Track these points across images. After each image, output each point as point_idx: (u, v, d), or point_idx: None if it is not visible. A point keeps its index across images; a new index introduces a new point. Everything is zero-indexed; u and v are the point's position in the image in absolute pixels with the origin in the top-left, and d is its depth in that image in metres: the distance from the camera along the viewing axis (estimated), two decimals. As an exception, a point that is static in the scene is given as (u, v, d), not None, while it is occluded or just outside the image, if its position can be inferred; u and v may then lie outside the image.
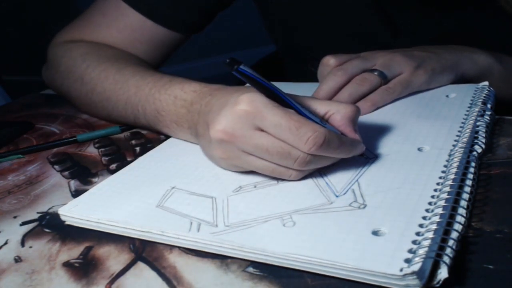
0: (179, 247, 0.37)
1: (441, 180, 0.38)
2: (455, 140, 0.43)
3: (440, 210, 0.34)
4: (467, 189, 0.37)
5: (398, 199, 0.36)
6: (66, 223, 0.42)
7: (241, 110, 0.39)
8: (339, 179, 0.41)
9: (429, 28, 0.63)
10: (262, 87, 0.39)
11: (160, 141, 0.54)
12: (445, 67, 0.55)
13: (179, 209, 0.39)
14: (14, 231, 0.43)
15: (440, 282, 0.29)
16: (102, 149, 0.57)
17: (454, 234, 0.32)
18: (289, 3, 0.69)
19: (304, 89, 0.53)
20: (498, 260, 0.31)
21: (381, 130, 0.48)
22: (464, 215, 0.34)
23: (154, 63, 0.70)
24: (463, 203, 0.35)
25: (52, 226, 0.43)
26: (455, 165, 0.39)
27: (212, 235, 0.36)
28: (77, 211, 0.41)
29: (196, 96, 0.47)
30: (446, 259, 0.30)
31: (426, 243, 0.31)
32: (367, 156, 0.43)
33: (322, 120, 0.41)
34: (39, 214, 0.45)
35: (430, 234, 0.32)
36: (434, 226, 0.32)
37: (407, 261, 0.30)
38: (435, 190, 0.37)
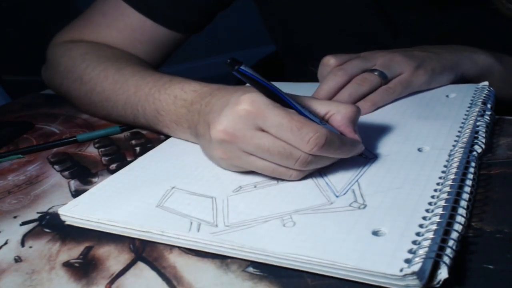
0: (179, 247, 0.37)
1: (441, 180, 0.38)
2: (455, 140, 0.43)
3: (440, 210, 0.34)
4: (467, 189, 0.37)
5: (398, 199, 0.36)
6: (66, 223, 0.42)
7: (243, 110, 0.39)
8: (339, 179, 0.41)
9: (429, 28, 0.63)
10: (262, 87, 0.39)
11: (160, 141, 0.54)
12: (445, 67, 0.55)
13: (179, 209, 0.39)
14: (14, 231, 0.43)
15: (440, 282, 0.29)
16: (102, 149, 0.57)
17: (454, 234, 0.32)
18: (289, 3, 0.69)
19: (304, 89, 0.53)
20: (498, 260, 0.31)
21: (381, 130, 0.48)
22: (464, 215, 0.34)
23: (154, 63, 0.70)
24: (463, 203, 0.35)
25: (52, 226, 0.43)
26: (455, 165, 0.39)
27: (212, 235, 0.36)
28: (77, 211, 0.41)
29: (196, 96, 0.47)
30: (446, 259, 0.30)
31: (426, 243, 0.31)
32: (367, 156, 0.43)
33: (321, 121, 0.41)
34: (39, 214, 0.45)
35: (430, 234, 0.32)
36: (434, 226, 0.32)
37: (407, 261, 0.30)
38: (435, 190, 0.37)
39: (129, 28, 0.67)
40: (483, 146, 0.42)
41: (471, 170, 0.39)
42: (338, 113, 0.42)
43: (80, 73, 0.62)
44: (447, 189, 0.36)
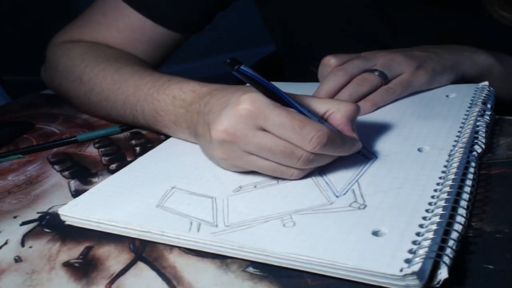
0: (179, 247, 0.37)
1: (441, 180, 0.38)
2: (455, 140, 0.43)
3: (440, 210, 0.34)
4: (467, 189, 0.37)
5: (398, 199, 0.36)
6: (66, 223, 0.42)
7: (244, 109, 0.39)
8: (339, 179, 0.41)
9: (429, 28, 0.63)
10: (262, 87, 0.39)
11: (160, 141, 0.54)
12: (446, 67, 0.55)
13: (179, 209, 0.39)
14: (14, 231, 0.43)
15: (440, 282, 0.29)
16: (102, 149, 0.57)
17: (454, 234, 0.32)
18: (289, 3, 0.69)
19: (305, 89, 0.53)
20: (498, 260, 0.31)
21: (381, 130, 0.48)
22: (464, 215, 0.34)
23: (153, 63, 0.70)
24: (463, 203, 0.35)
25: (52, 226, 0.43)
26: (455, 165, 0.39)
27: (212, 235, 0.36)
28: (77, 211, 0.41)
29: (195, 96, 0.47)
30: (446, 259, 0.30)
31: (426, 243, 0.31)
32: (366, 155, 0.43)
33: (320, 120, 0.41)
34: (39, 214, 0.45)
35: (430, 234, 0.32)
36: (434, 226, 0.32)
37: (407, 261, 0.30)
38: (435, 190, 0.37)
39: (129, 28, 0.67)
40: (483, 146, 0.42)
41: (471, 170, 0.39)
42: (338, 111, 0.42)
43: (79, 73, 0.62)
44: (447, 189, 0.36)
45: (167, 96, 0.50)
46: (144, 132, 0.60)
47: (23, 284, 0.36)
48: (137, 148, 0.56)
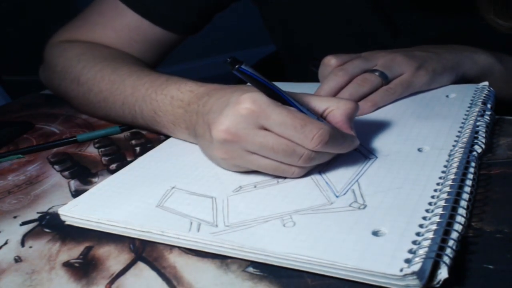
0: (179, 247, 0.37)
1: (441, 180, 0.38)
2: (455, 140, 0.43)
3: (440, 210, 0.34)
4: (467, 189, 0.37)
5: (398, 199, 0.36)
6: (66, 223, 0.42)
7: (245, 109, 0.39)
8: (339, 179, 0.41)
9: (429, 28, 0.63)
10: (263, 86, 0.39)
11: (160, 141, 0.54)
12: (446, 67, 0.55)
13: (179, 209, 0.39)
14: (14, 231, 0.43)
15: (440, 282, 0.29)
16: (102, 149, 0.57)
17: (454, 234, 0.32)
18: (289, 3, 0.69)
19: (305, 89, 0.53)
20: (498, 260, 0.31)
21: (381, 130, 0.48)
22: (464, 215, 0.34)
23: (150, 63, 0.70)
24: (463, 203, 0.35)
25: (52, 226, 0.43)
26: (455, 165, 0.39)
27: (212, 235, 0.36)
28: (77, 211, 0.41)
29: (193, 96, 0.47)
30: (446, 259, 0.30)
31: (426, 243, 0.31)
32: (366, 155, 0.43)
33: (319, 118, 0.41)
34: (39, 214, 0.45)
35: (430, 234, 0.32)
36: (434, 226, 0.32)
37: (407, 261, 0.30)
38: (435, 190, 0.37)
39: (125, 28, 0.66)
40: (483, 146, 0.42)
41: (471, 170, 0.39)
42: (337, 109, 0.42)
43: (76, 74, 0.62)
44: (447, 189, 0.36)
45: (165, 97, 0.50)
46: (144, 132, 0.60)
47: (23, 284, 0.36)
48: (137, 148, 0.56)
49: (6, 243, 0.41)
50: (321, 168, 0.42)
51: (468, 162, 0.40)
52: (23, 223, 0.44)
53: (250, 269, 0.34)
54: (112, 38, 0.67)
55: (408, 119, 0.49)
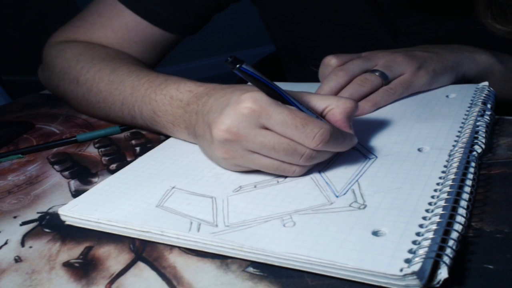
0: (179, 247, 0.37)
1: (441, 180, 0.38)
2: (455, 140, 0.43)
3: (440, 210, 0.34)
4: (467, 189, 0.37)
5: (398, 199, 0.36)
6: (66, 223, 0.42)
7: (246, 108, 0.39)
8: (339, 179, 0.41)
9: (429, 29, 0.63)
10: (264, 85, 0.39)
11: (160, 141, 0.54)
12: (446, 67, 0.55)
13: (179, 209, 0.39)
14: (14, 231, 0.43)
15: (440, 282, 0.29)
16: (102, 149, 0.57)
17: (454, 234, 0.32)
18: (289, 4, 0.69)
19: (305, 89, 0.53)
20: (498, 260, 0.31)
21: (381, 130, 0.48)
22: (464, 215, 0.34)
23: (149, 63, 0.70)
24: (463, 203, 0.35)
25: (52, 226, 0.43)
26: (455, 165, 0.39)
27: (212, 235, 0.36)
28: (77, 211, 0.41)
29: (192, 96, 0.47)
30: (446, 259, 0.30)
31: (426, 243, 0.31)
32: (366, 155, 0.43)
33: (318, 117, 0.41)
34: (39, 214, 0.45)
35: (430, 234, 0.32)
36: (434, 226, 0.32)
37: (407, 261, 0.30)
38: (435, 190, 0.37)
39: (124, 28, 0.66)
40: (483, 146, 0.42)
41: (471, 170, 0.39)
42: (337, 108, 0.42)
43: (75, 74, 0.62)
44: (447, 189, 0.36)
45: (164, 97, 0.50)
46: (144, 132, 0.60)
47: (23, 284, 0.36)
48: (137, 148, 0.56)
49: (6, 243, 0.41)
50: (321, 168, 0.42)
51: (468, 162, 0.40)
52: (23, 223, 0.44)
53: (250, 269, 0.34)
54: (111, 38, 0.67)
55: (408, 119, 0.49)
